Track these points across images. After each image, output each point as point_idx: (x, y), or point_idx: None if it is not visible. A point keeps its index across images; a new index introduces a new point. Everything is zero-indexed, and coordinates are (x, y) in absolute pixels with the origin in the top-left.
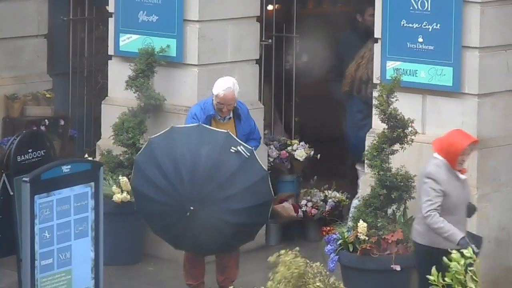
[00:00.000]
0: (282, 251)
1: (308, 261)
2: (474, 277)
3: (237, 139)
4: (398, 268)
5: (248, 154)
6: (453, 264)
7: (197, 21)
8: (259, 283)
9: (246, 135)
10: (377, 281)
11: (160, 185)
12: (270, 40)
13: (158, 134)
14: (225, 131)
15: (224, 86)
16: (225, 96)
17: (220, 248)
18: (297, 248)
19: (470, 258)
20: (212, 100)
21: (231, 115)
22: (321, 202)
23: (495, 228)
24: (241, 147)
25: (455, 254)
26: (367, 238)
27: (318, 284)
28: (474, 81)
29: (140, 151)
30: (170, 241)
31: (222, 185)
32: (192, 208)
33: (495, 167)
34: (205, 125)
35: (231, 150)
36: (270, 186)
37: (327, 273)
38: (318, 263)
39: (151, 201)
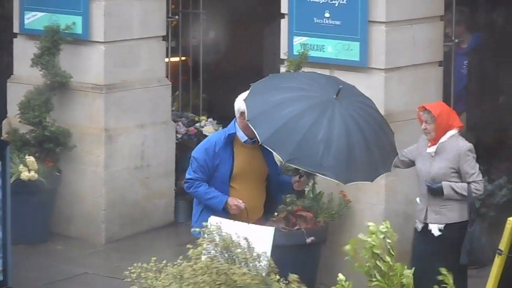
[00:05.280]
0: (205, 223)
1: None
2: (391, 251)
3: None
4: (311, 239)
5: None
6: (371, 238)
7: None
8: (169, 260)
9: (274, 167)
10: (288, 256)
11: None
12: (176, 16)
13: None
14: None
15: None
16: None
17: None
18: (220, 220)
19: (386, 232)
20: (236, 121)
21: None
22: None
23: (403, 202)
24: None
25: (373, 227)
26: (276, 214)
27: (248, 256)
28: (381, 55)
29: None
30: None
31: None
32: (341, 86)
33: (402, 141)
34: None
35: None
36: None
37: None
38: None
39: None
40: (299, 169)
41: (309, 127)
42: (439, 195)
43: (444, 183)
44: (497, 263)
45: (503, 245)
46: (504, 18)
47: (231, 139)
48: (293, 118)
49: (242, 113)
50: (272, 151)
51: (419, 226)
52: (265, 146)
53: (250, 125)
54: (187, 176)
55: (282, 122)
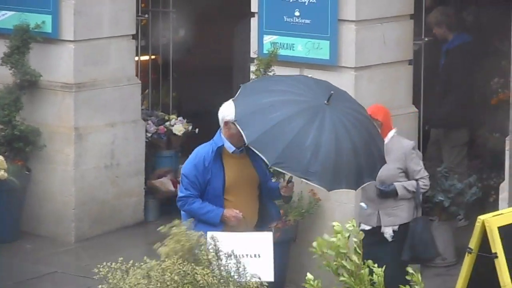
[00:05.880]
0: (176, 221)
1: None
2: (358, 249)
3: None
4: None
5: None
6: (336, 237)
7: None
8: (139, 259)
9: (263, 173)
10: None
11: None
12: (146, 15)
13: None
14: None
15: None
16: None
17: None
18: (191, 219)
19: (353, 230)
20: (221, 132)
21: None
22: None
23: None
24: None
25: (337, 226)
26: None
27: (210, 256)
28: (351, 54)
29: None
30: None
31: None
32: (332, 91)
33: None
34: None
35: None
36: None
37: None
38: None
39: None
40: (285, 174)
41: (297, 131)
42: (392, 197)
43: (396, 184)
44: (467, 261)
45: (473, 244)
46: (477, 12)
47: (220, 150)
48: (282, 122)
49: (226, 123)
50: (259, 154)
51: (366, 227)
52: (251, 147)
53: (237, 126)
54: (179, 194)
55: (270, 125)
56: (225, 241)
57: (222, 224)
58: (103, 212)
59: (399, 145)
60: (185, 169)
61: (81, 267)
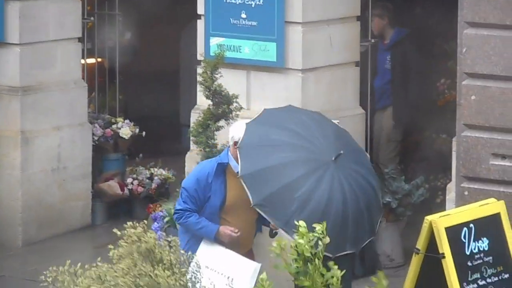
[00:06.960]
0: (129, 223)
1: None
2: (320, 253)
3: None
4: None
5: None
6: (301, 240)
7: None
8: (87, 262)
9: None
10: None
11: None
12: (92, 18)
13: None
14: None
15: None
16: None
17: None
18: (145, 222)
19: (321, 234)
20: (228, 150)
21: None
22: (147, 180)
23: None
24: None
25: (303, 228)
26: None
27: (171, 258)
28: (297, 56)
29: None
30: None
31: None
32: (342, 151)
33: None
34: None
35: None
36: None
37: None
38: (176, 238)
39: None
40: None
41: (292, 180)
42: None
43: None
44: (415, 262)
45: (420, 244)
46: (423, 12)
47: (223, 168)
48: (281, 165)
49: (236, 142)
50: (246, 190)
51: None
52: (241, 181)
53: (237, 152)
54: (177, 206)
55: (268, 165)
56: (213, 252)
57: (217, 242)
58: (50, 216)
59: None
60: (187, 182)
61: (29, 271)
